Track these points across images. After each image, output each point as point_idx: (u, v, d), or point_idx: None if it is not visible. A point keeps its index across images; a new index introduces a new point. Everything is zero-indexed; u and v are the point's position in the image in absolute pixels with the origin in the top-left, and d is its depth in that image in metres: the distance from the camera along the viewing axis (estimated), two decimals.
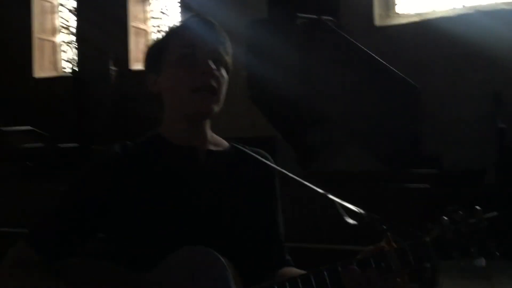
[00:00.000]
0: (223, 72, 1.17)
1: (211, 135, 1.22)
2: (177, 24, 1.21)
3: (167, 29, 1.24)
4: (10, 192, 4.74)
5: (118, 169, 1.12)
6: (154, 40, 1.25)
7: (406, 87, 5.21)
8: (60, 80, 8.22)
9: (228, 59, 1.19)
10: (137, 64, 7.86)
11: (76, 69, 7.89)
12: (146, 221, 1.08)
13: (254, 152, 1.23)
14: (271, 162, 1.22)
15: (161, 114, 1.22)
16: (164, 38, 1.20)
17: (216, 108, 1.15)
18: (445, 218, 0.95)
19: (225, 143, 1.24)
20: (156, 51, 1.20)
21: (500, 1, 5.95)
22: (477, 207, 0.97)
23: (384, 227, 0.96)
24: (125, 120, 7.39)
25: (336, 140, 5.46)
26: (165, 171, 1.13)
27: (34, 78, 8.29)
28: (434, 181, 4.17)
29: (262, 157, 1.22)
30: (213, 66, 1.12)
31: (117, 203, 1.09)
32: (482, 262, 0.95)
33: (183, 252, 1.02)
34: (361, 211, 1.02)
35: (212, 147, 1.20)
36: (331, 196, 1.06)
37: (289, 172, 1.20)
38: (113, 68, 7.49)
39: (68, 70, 8.41)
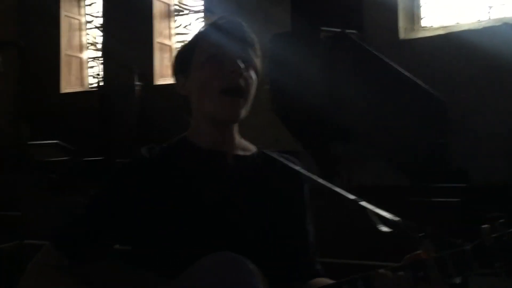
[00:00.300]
0: (252, 73, 1.14)
1: (238, 139, 1.19)
2: (206, 25, 1.19)
3: (195, 32, 1.23)
4: (36, 205, 4.81)
5: (145, 172, 1.10)
6: (183, 43, 1.24)
7: (433, 101, 5.13)
8: (86, 95, 8.37)
9: (258, 61, 1.16)
10: (161, 79, 7.95)
11: (102, 84, 8.02)
12: (172, 225, 1.06)
13: (283, 158, 1.19)
14: (300, 168, 1.19)
15: (189, 118, 1.21)
16: (192, 39, 1.19)
17: (244, 113, 1.13)
18: (486, 226, 0.91)
19: (252, 148, 1.22)
20: (185, 53, 1.19)
21: None
22: None
23: (422, 234, 0.92)
24: (149, 134, 7.45)
25: (361, 154, 5.39)
26: (191, 176, 1.11)
27: (61, 94, 8.46)
28: (462, 195, 4.07)
29: (291, 163, 1.19)
30: (242, 65, 1.09)
31: (144, 207, 1.08)
32: None
33: (211, 258, 0.99)
34: (396, 218, 0.98)
35: (240, 152, 1.18)
36: (363, 203, 1.02)
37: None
38: (138, 83, 7.59)
39: (94, 85, 8.55)
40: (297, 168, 1.18)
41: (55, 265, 1.06)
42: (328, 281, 1.12)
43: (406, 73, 5.18)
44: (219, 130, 1.15)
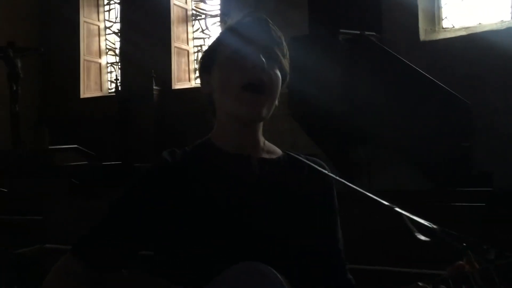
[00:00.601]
0: (277, 71, 1.10)
1: (264, 141, 1.15)
2: (232, 22, 1.15)
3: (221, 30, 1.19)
4: (56, 209, 4.83)
5: (168, 177, 1.06)
6: (211, 42, 1.20)
7: (456, 103, 5.02)
8: (105, 100, 8.44)
9: (284, 60, 1.12)
10: (179, 84, 7.97)
11: (120, 89, 8.07)
12: (196, 232, 1.02)
13: (310, 161, 1.14)
14: (329, 171, 1.14)
15: (213, 119, 1.16)
16: (217, 38, 1.16)
17: (266, 111, 1.07)
18: None
19: (278, 151, 1.17)
20: (209, 51, 1.15)
21: None
22: None
23: (464, 244, 0.86)
24: (167, 138, 7.47)
25: (382, 158, 5.30)
26: (216, 180, 1.07)
27: (81, 99, 8.54)
28: (486, 199, 3.97)
29: (318, 166, 1.14)
30: (264, 61, 1.05)
31: (166, 213, 1.04)
32: None
33: (237, 269, 0.95)
34: (434, 226, 0.92)
35: (265, 155, 1.13)
36: (398, 209, 0.97)
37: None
38: (155, 87, 7.62)
39: (113, 90, 8.62)
40: (326, 171, 1.13)
41: (76, 274, 1.02)
42: None
43: (428, 75, 5.09)
44: (243, 131, 1.09)
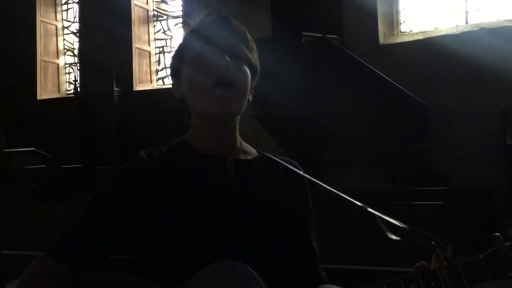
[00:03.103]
0: (245, 67, 1.11)
1: (240, 142, 1.16)
2: (194, 22, 1.16)
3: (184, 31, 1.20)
4: (13, 214, 4.67)
5: (146, 177, 1.07)
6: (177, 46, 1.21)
7: (414, 105, 5.19)
8: (63, 101, 8.23)
9: (252, 56, 1.13)
10: (140, 85, 7.87)
11: (79, 91, 7.89)
12: (172, 232, 1.02)
13: (285, 162, 1.16)
14: (303, 173, 1.16)
15: (188, 121, 1.17)
16: (182, 41, 1.17)
17: (237, 107, 1.09)
18: (498, 234, 0.89)
19: (254, 151, 1.19)
20: (175, 56, 1.16)
21: (503, 19, 5.97)
22: None
23: (433, 243, 0.89)
24: (129, 140, 7.36)
25: (344, 159, 5.41)
26: (191, 181, 1.08)
27: (38, 100, 8.29)
28: (443, 199, 4.11)
29: (293, 167, 1.16)
30: (228, 59, 1.07)
31: (142, 211, 1.04)
32: None
33: (213, 267, 0.96)
34: (405, 226, 0.95)
35: (242, 156, 1.15)
36: (371, 210, 1.00)
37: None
38: (116, 89, 7.49)
39: (72, 91, 8.42)
40: (301, 172, 1.15)
41: (52, 275, 1.01)
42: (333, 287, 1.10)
43: (387, 78, 5.23)
44: (218, 132, 1.11)
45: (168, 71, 8.05)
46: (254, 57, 1.15)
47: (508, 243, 0.87)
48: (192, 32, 1.14)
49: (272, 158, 1.17)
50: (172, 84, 1.18)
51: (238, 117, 1.14)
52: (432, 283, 0.88)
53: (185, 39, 1.16)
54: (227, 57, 1.07)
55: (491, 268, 0.87)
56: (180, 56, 1.15)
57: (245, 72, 1.11)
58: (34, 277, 1.02)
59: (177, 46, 1.19)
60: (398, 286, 0.90)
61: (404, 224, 0.97)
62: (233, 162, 1.12)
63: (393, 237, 0.91)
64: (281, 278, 1.04)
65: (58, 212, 4.42)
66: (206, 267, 0.95)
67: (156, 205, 1.04)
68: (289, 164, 1.16)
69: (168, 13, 8.21)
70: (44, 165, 6.67)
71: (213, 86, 1.06)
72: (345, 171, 5.40)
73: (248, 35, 1.15)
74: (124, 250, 1.07)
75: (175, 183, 1.06)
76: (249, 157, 1.15)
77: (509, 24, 5.79)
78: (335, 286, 1.09)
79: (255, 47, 1.15)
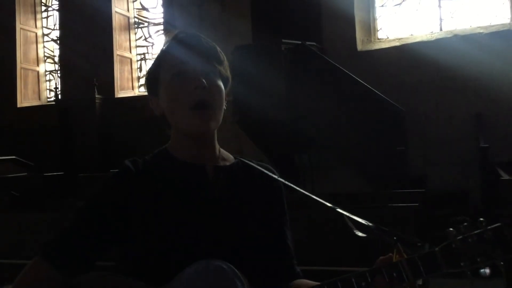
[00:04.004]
0: (219, 82, 1.19)
1: (219, 149, 1.24)
2: (167, 42, 1.22)
3: (158, 51, 1.27)
4: None
5: (130, 183, 1.14)
6: (151, 65, 1.27)
7: (391, 110, 5.32)
8: (44, 109, 8.18)
9: (222, 68, 1.20)
10: (122, 92, 7.88)
11: (60, 98, 7.86)
12: (157, 235, 1.10)
13: (261, 167, 1.25)
14: (277, 176, 1.25)
15: (168, 131, 1.24)
16: (156, 59, 1.23)
17: (214, 124, 1.17)
18: (452, 229, 0.99)
19: (232, 158, 1.26)
20: (151, 74, 1.23)
21: (476, 26, 6.17)
22: (481, 219, 1.00)
23: (394, 238, 0.99)
24: (111, 148, 7.36)
25: (324, 162, 5.51)
26: (174, 188, 1.15)
27: (18, 108, 8.24)
28: (419, 201, 4.23)
29: (269, 171, 1.24)
30: (204, 81, 1.14)
31: (129, 217, 1.11)
32: (487, 271, 0.98)
33: (195, 267, 1.03)
34: (370, 223, 1.05)
35: (220, 163, 1.22)
36: (339, 210, 1.09)
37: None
38: (98, 96, 7.49)
39: (52, 99, 8.38)
40: (276, 176, 1.24)
41: (46, 277, 1.08)
42: (308, 282, 1.18)
43: (364, 83, 5.36)
44: (198, 143, 1.19)
45: None
46: (225, 68, 1.22)
47: (460, 237, 0.97)
48: (165, 54, 1.21)
49: (248, 163, 1.25)
50: (150, 102, 1.24)
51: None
52: (394, 274, 0.97)
53: (159, 60, 1.22)
54: (202, 79, 1.15)
55: (445, 259, 0.97)
56: (155, 76, 1.21)
57: (220, 88, 1.19)
58: (29, 278, 1.09)
59: (152, 65, 1.25)
60: (364, 278, 0.99)
61: (371, 222, 1.07)
62: (212, 169, 1.20)
63: (360, 234, 1.00)
64: (260, 274, 1.12)
65: (41, 219, 4.42)
66: (190, 266, 1.03)
67: (141, 211, 1.11)
68: (265, 169, 1.24)
69: (149, 20, 8.25)
70: (26, 173, 6.65)
71: (192, 109, 1.14)
72: (325, 175, 5.51)
73: (218, 48, 1.23)
74: (111, 254, 1.14)
75: (159, 190, 1.14)
76: (227, 163, 1.23)
77: (482, 31, 5.99)
78: (309, 281, 1.18)
79: (225, 58, 1.23)
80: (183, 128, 1.17)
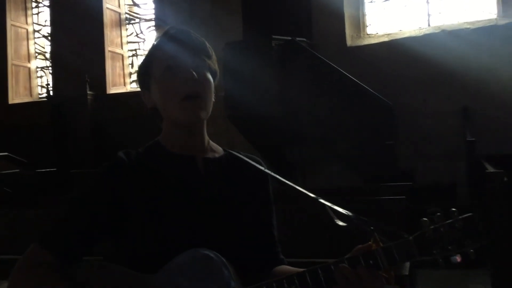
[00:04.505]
0: (208, 75, 1.25)
1: (208, 141, 1.31)
2: (158, 38, 1.29)
3: (149, 46, 1.33)
4: None
5: (124, 174, 1.20)
6: (142, 60, 1.33)
7: (380, 104, 5.39)
8: (36, 106, 8.19)
9: (211, 62, 1.27)
10: (114, 88, 7.90)
11: (52, 94, 7.86)
12: (150, 224, 1.16)
13: (248, 158, 1.32)
14: (264, 168, 1.32)
15: (160, 124, 1.30)
16: (148, 54, 1.29)
17: (204, 114, 1.23)
18: (425, 219, 1.06)
19: (221, 150, 1.33)
20: (143, 68, 1.29)
21: (463, 21, 6.26)
22: (453, 209, 1.08)
23: (372, 228, 1.06)
24: (103, 144, 7.39)
25: (315, 157, 5.58)
26: (165, 178, 1.22)
27: (9, 104, 8.24)
28: (408, 194, 4.31)
29: (256, 163, 1.32)
30: (195, 74, 1.21)
31: (124, 206, 1.17)
32: (457, 258, 1.05)
33: (186, 255, 1.10)
34: (350, 213, 1.12)
35: (210, 154, 1.29)
36: (322, 200, 1.16)
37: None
38: (89, 92, 7.51)
39: (44, 95, 8.38)
40: (262, 168, 1.31)
41: (44, 264, 1.13)
42: (290, 268, 1.26)
43: (354, 79, 5.43)
44: (189, 135, 1.25)
45: None
46: (214, 63, 1.29)
47: (432, 227, 1.04)
48: (156, 49, 1.27)
49: (236, 155, 1.32)
50: (143, 96, 1.31)
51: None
52: (371, 261, 1.04)
53: (151, 55, 1.28)
54: (193, 71, 1.21)
55: (418, 248, 1.04)
56: (148, 71, 1.27)
57: (209, 80, 1.26)
58: (28, 265, 1.14)
59: (143, 60, 1.31)
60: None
61: (352, 213, 1.14)
62: (202, 160, 1.27)
63: (340, 223, 1.07)
64: (246, 261, 1.20)
65: (34, 215, 4.46)
66: (181, 254, 1.10)
67: (134, 201, 1.17)
68: (252, 160, 1.32)
69: (140, 16, 8.27)
70: (18, 170, 6.66)
71: (183, 100, 1.21)
72: (316, 169, 5.59)
73: (207, 43, 1.29)
74: (110, 238, 1.20)
75: (151, 181, 1.20)
76: (216, 155, 1.30)
77: (468, 27, 6.08)
78: (290, 267, 1.25)
79: (213, 53, 1.30)
80: (175, 118, 1.23)
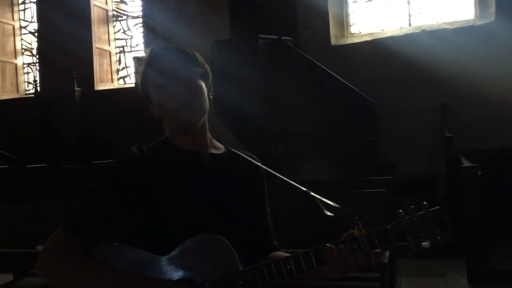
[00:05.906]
0: (198, 81, 1.40)
1: (210, 139, 1.47)
2: (147, 57, 1.43)
3: (139, 61, 1.46)
4: None
5: (138, 167, 1.35)
6: (138, 79, 1.47)
7: (362, 102, 5.59)
8: (23, 102, 8.21)
9: (200, 68, 1.41)
10: (101, 85, 7.97)
11: (39, 91, 7.90)
12: (162, 212, 1.33)
13: (246, 156, 1.50)
14: (260, 164, 1.50)
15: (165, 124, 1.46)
16: (143, 74, 1.44)
17: (201, 114, 1.39)
18: (401, 211, 1.24)
19: (222, 147, 1.50)
20: (142, 87, 1.45)
21: (442, 21, 6.49)
22: (425, 203, 1.26)
23: (356, 217, 1.24)
24: (91, 140, 7.48)
25: (300, 153, 5.76)
26: (175, 171, 1.38)
27: None
28: (390, 187, 4.51)
29: (253, 160, 1.50)
30: (184, 85, 1.35)
31: (138, 196, 1.32)
32: (426, 244, 1.24)
33: (195, 238, 1.28)
34: (337, 205, 1.30)
35: (213, 151, 1.46)
36: (312, 193, 1.34)
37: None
38: (77, 88, 7.58)
39: (31, 91, 8.41)
40: (259, 164, 1.49)
41: (69, 245, 1.28)
42: (284, 254, 1.41)
43: (338, 77, 5.61)
44: (192, 133, 1.40)
45: (129, 70, 8.21)
46: (202, 66, 1.43)
47: (407, 217, 1.23)
48: (149, 65, 1.42)
49: (236, 152, 1.50)
50: (149, 108, 1.46)
51: (206, 116, 1.44)
52: (355, 246, 1.22)
53: (145, 72, 1.43)
54: (182, 83, 1.36)
55: (395, 235, 1.22)
56: (145, 85, 1.43)
57: (200, 86, 1.40)
58: (55, 246, 1.30)
59: (141, 75, 1.46)
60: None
61: (338, 205, 1.32)
62: (207, 156, 1.44)
63: (329, 213, 1.25)
64: (245, 246, 1.37)
65: (25, 210, 4.55)
66: (190, 239, 1.28)
67: (148, 192, 1.33)
68: (250, 157, 1.50)
69: (128, 13, 8.34)
70: (7, 166, 6.72)
71: (177, 109, 1.37)
72: (300, 165, 5.77)
73: (190, 52, 1.43)
74: (126, 225, 1.36)
75: (162, 173, 1.36)
76: (219, 152, 1.47)
77: (447, 27, 6.31)
78: (284, 253, 1.43)
79: (201, 59, 1.44)
80: (177, 124, 1.40)
